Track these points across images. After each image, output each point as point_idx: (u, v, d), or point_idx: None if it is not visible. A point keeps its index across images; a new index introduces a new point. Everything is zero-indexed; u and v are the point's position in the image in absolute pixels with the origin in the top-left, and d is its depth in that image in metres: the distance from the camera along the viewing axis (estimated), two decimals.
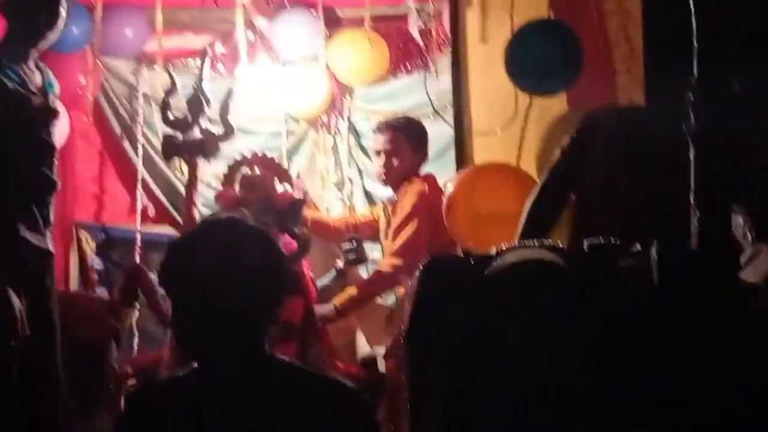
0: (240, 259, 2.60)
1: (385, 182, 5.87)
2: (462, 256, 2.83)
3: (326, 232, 6.10)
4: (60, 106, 6.38)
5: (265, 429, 2.58)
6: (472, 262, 2.71)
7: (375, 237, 6.09)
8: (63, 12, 4.44)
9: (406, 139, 5.81)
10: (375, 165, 5.96)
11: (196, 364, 2.66)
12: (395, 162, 5.78)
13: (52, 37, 4.47)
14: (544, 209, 3.93)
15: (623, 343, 2.53)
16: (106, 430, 5.12)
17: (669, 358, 2.53)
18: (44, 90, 4.46)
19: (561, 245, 2.79)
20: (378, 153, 5.88)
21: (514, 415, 2.55)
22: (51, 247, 4.47)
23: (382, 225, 5.92)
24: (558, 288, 2.56)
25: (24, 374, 4.25)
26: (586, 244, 2.77)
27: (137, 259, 6.59)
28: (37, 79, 4.45)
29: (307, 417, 2.60)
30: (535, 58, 4.80)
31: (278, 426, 2.59)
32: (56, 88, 4.62)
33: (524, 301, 2.56)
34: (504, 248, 2.73)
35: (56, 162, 4.54)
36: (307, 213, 5.88)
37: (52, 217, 4.50)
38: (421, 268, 2.80)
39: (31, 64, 4.44)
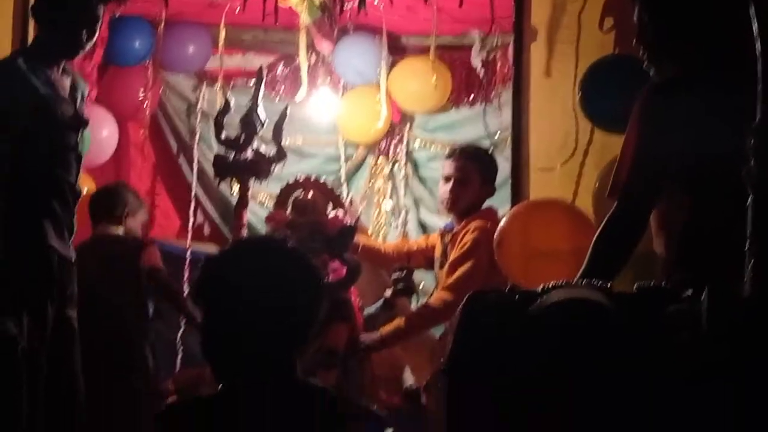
0: (274, 278, 2.55)
1: (450, 210, 5.66)
2: (507, 290, 2.71)
3: (377, 258, 5.98)
4: (114, 116, 6.50)
5: None
6: (516, 298, 2.62)
7: (428, 265, 5.97)
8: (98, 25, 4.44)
9: (478, 169, 5.59)
10: (441, 190, 5.71)
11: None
12: (463, 191, 5.58)
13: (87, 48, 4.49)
14: (614, 240, 3.42)
15: (665, 395, 2.42)
16: None
17: (712, 412, 2.41)
18: (73, 96, 4.46)
19: (610, 286, 2.68)
20: (447, 179, 5.64)
21: None
22: (73, 256, 4.45)
23: (438, 254, 5.79)
24: (601, 330, 2.46)
25: (47, 382, 4.26)
26: (635, 285, 2.66)
27: (185, 276, 6.58)
28: (66, 84, 4.46)
29: None
30: (610, 94, 4.68)
31: None
32: (86, 90, 4.63)
33: (565, 341, 2.46)
34: (550, 286, 2.63)
35: (80, 171, 4.56)
36: (359, 238, 5.79)
37: (75, 227, 4.49)
38: (465, 301, 2.71)
39: (60, 69, 4.43)
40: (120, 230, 5.79)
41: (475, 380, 2.57)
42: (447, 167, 5.67)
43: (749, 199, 2.68)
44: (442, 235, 5.73)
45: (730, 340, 2.46)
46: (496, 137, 6.39)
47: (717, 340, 2.45)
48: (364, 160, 7.15)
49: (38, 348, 4.22)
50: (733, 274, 2.69)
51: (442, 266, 5.64)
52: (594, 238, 3.40)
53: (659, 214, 3.41)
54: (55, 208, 4.36)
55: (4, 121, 4.25)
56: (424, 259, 5.95)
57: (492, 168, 5.69)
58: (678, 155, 3.32)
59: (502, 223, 4.78)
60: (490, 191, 5.64)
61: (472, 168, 5.58)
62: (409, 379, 5.81)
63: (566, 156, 4.97)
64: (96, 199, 5.85)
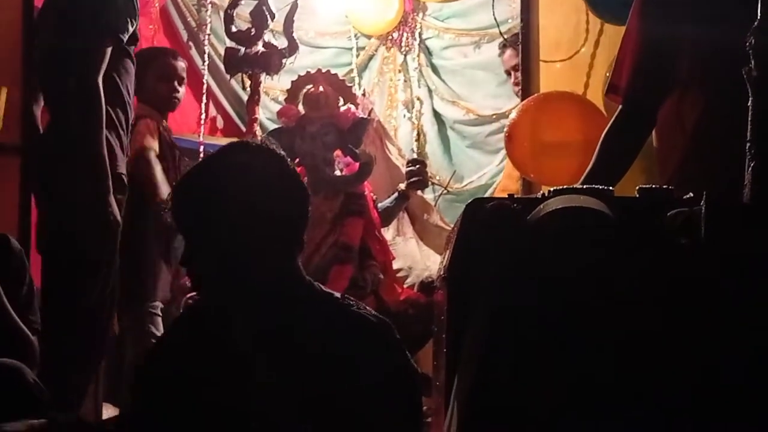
0: (256, 181, 2.52)
1: None
2: (506, 198, 2.69)
3: None
4: None
5: (294, 363, 2.52)
6: (515, 206, 2.59)
7: None
8: None
9: None
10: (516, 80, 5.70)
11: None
12: None
13: None
14: (619, 142, 3.38)
15: (664, 302, 2.41)
16: None
17: (709, 317, 2.40)
18: None
19: (611, 190, 2.65)
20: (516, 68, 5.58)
21: (546, 364, 2.45)
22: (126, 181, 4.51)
23: None
24: (599, 239, 2.44)
25: None
26: (637, 188, 2.63)
27: None
28: None
29: (337, 353, 2.53)
30: None
31: (308, 360, 2.52)
32: None
33: (563, 250, 2.45)
34: (549, 192, 2.61)
35: None
36: None
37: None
38: (464, 210, 2.70)
39: None
40: None
41: (472, 290, 2.57)
42: (513, 58, 5.60)
43: (749, 101, 2.64)
44: None
45: (728, 246, 2.44)
46: (508, 24, 6.26)
47: (715, 246, 2.43)
48: (376, 51, 7.08)
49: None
50: (740, 178, 2.66)
51: None
52: (600, 139, 3.36)
53: (667, 112, 3.34)
54: (120, 134, 4.41)
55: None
56: None
57: None
58: (688, 48, 3.24)
59: (512, 116, 4.75)
60: None
61: None
62: (425, 271, 5.82)
63: (577, 48, 4.91)
64: None
